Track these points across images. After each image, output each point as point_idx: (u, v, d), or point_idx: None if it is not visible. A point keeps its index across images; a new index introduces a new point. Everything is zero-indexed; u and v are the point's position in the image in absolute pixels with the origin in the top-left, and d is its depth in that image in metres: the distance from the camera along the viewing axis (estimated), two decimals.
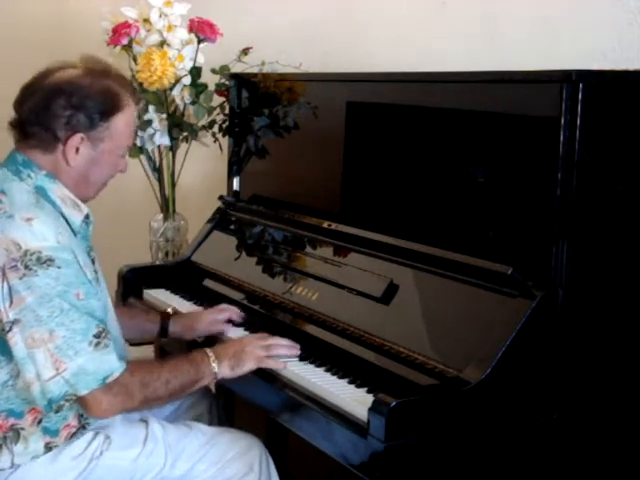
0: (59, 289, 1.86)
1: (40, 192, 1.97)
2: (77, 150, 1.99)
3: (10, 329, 1.86)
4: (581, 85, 1.81)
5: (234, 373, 2.06)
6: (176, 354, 2.27)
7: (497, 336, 1.82)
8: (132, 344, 2.47)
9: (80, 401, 1.90)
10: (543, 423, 1.86)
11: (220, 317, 2.37)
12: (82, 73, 2.02)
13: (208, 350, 2.06)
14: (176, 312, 2.45)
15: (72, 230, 1.99)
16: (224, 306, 2.41)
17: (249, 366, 2.07)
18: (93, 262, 2.07)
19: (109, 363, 1.88)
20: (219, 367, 2.04)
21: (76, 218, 2.02)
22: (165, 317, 2.39)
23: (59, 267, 1.87)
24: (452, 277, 2.00)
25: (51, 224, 1.92)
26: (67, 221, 1.99)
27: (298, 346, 2.14)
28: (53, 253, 1.88)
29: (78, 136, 1.98)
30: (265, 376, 2.09)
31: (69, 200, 2.01)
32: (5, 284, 1.86)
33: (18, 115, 2.02)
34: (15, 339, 1.86)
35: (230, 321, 2.37)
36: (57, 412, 1.92)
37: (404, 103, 2.27)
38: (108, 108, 1.99)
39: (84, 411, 1.94)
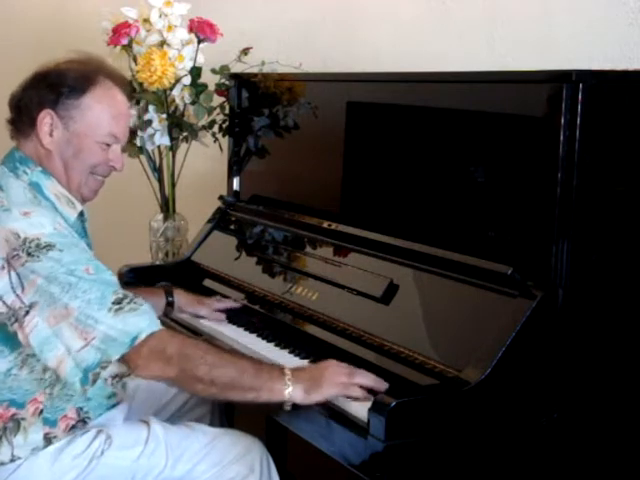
0: (64, 269, 1.88)
1: (35, 188, 1.99)
2: (52, 132, 2.00)
3: (27, 313, 1.88)
4: (581, 85, 1.81)
5: (309, 399, 1.85)
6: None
7: (497, 336, 1.82)
8: None
9: (124, 361, 1.89)
10: (543, 423, 1.86)
11: (222, 305, 2.46)
12: (64, 61, 2.06)
13: (286, 369, 1.89)
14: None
15: (68, 224, 2.00)
16: (219, 299, 2.50)
17: (328, 392, 1.86)
18: None
19: (136, 324, 1.86)
20: (293, 389, 1.85)
21: (70, 215, 2.03)
22: (168, 289, 2.46)
23: (61, 250, 1.89)
24: (452, 277, 2.00)
25: (48, 215, 1.94)
26: (62, 216, 2.00)
27: (386, 384, 1.89)
28: (51, 239, 1.90)
29: (46, 112, 1.99)
30: None
31: (63, 197, 2.03)
32: (13, 273, 1.89)
33: (9, 109, 2.06)
34: (34, 321, 1.87)
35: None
36: (94, 382, 1.88)
37: (404, 103, 2.27)
38: (79, 85, 2.00)
39: (129, 369, 1.93)
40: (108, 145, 2.06)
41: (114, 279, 1.96)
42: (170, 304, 2.44)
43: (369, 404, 1.76)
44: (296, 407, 1.87)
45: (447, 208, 2.12)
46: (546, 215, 1.87)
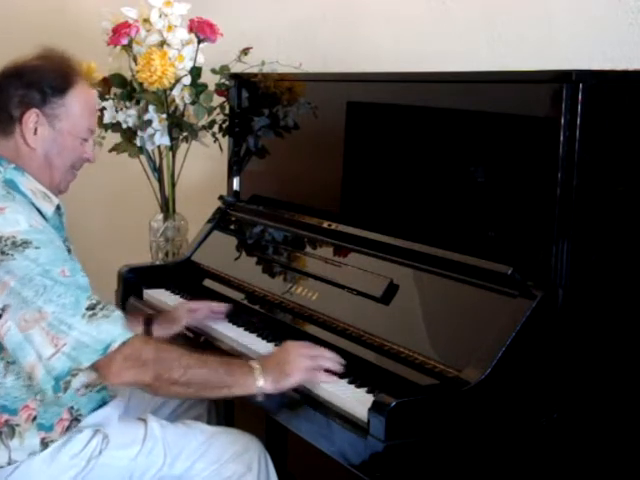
0: (39, 269, 1.86)
1: (10, 185, 1.98)
2: (35, 130, 2.00)
3: (0, 316, 1.86)
4: (581, 85, 1.81)
5: (279, 387, 1.93)
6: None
7: (497, 336, 1.82)
8: None
9: (96, 369, 1.88)
10: (543, 423, 1.86)
11: (199, 315, 2.37)
12: (35, 57, 2.06)
13: (254, 362, 1.95)
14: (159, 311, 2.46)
15: (45, 219, 1.99)
16: (197, 304, 2.41)
17: (295, 379, 1.93)
18: (69, 251, 2.04)
19: (109, 332, 1.86)
20: (264, 381, 1.91)
21: (47, 209, 2.02)
22: (148, 318, 2.37)
23: (37, 247, 1.88)
24: (452, 277, 2.00)
25: (23, 212, 1.92)
26: (39, 212, 1.99)
27: (343, 361, 1.99)
28: (27, 236, 1.88)
29: (32, 111, 2.00)
30: None
31: (39, 192, 2.02)
32: None
33: None
34: (7, 325, 1.86)
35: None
36: (66, 390, 1.88)
37: (404, 103, 2.27)
38: (60, 84, 2.01)
39: (101, 379, 1.92)
40: (85, 140, 2.08)
41: (87, 282, 1.94)
42: (148, 332, 2.34)
43: (369, 404, 1.76)
44: (268, 396, 1.93)
45: (447, 208, 2.12)
46: (546, 215, 1.87)
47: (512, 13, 2.51)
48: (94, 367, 1.88)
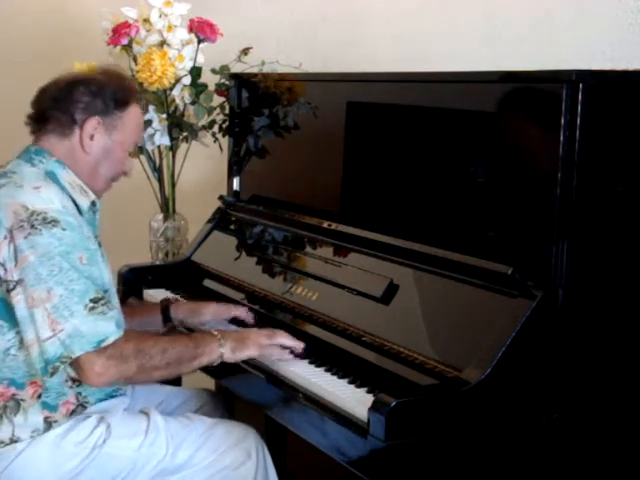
0: (61, 249, 1.93)
1: (50, 176, 2.06)
2: (92, 137, 2.09)
3: (14, 288, 1.92)
4: (581, 85, 1.81)
5: (235, 357, 2.08)
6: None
7: (497, 336, 1.82)
8: None
9: (75, 365, 1.93)
10: (543, 423, 1.86)
11: (226, 315, 2.39)
12: (99, 72, 2.18)
13: (213, 330, 2.11)
14: (177, 300, 2.50)
15: (79, 210, 2.06)
16: (230, 305, 2.42)
17: (251, 352, 2.09)
18: (100, 245, 2.12)
19: (105, 328, 1.92)
20: (225, 347, 2.06)
21: (83, 202, 2.09)
22: (165, 304, 2.43)
23: (64, 229, 1.95)
24: (452, 277, 2.00)
25: (58, 193, 2.01)
26: (75, 203, 2.06)
27: (302, 344, 2.13)
28: (58, 215, 1.96)
29: (95, 119, 2.09)
30: (265, 375, 2.09)
31: (77, 186, 2.09)
32: (12, 245, 1.93)
33: (35, 108, 2.12)
34: (18, 298, 1.92)
35: (237, 321, 2.38)
36: (52, 375, 1.93)
37: (404, 103, 2.27)
38: (122, 98, 2.12)
39: (80, 377, 1.95)
40: (129, 154, 2.22)
41: (99, 276, 2.00)
42: (167, 319, 2.40)
43: (369, 404, 1.76)
44: (222, 365, 2.07)
45: (447, 208, 2.12)
46: (546, 215, 1.87)
47: (512, 13, 2.51)
48: (79, 364, 1.91)
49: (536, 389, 1.85)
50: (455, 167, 2.10)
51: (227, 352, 2.07)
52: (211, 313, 2.39)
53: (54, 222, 1.94)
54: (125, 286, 2.74)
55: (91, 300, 1.92)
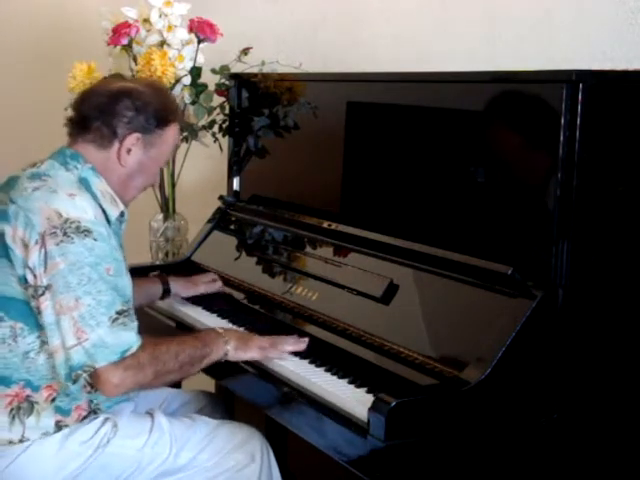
0: (91, 260, 1.94)
1: (83, 183, 2.06)
2: (129, 151, 2.10)
3: (43, 293, 1.93)
4: (581, 85, 1.81)
5: (237, 355, 2.11)
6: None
7: (497, 336, 1.82)
8: None
9: (95, 378, 1.93)
10: (543, 423, 1.86)
11: (213, 276, 2.60)
12: (144, 84, 2.19)
13: (218, 328, 2.15)
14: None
15: (108, 221, 2.08)
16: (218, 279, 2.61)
17: (252, 354, 2.11)
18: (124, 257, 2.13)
19: (127, 338, 1.94)
20: (229, 345, 2.09)
21: (113, 212, 2.10)
22: (164, 279, 2.56)
23: (95, 239, 1.96)
24: (452, 277, 2.00)
25: (91, 203, 2.02)
26: (104, 212, 2.07)
27: (306, 340, 2.14)
28: (92, 226, 1.97)
29: (135, 136, 2.10)
30: (265, 375, 2.09)
31: (108, 195, 2.10)
32: (43, 250, 1.93)
33: (78, 112, 2.13)
34: (46, 304, 1.93)
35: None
36: (75, 382, 1.94)
37: (404, 103, 2.27)
38: (164, 117, 2.13)
39: (97, 387, 1.97)
40: (161, 168, 2.26)
41: (127, 286, 2.03)
42: (167, 291, 2.54)
43: (369, 404, 1.76)
44: (222, 366, 2.12)
45: (447, 208, 2.12)
46: (546, 215, 1.87)
47: (512, 13, 2.51)
48: (97, 375, 1.92)
49: (536, 389, 1.85)
50: (455, 167, 2.10)
51: (231, 350, 2.09)
52: (203, 281, 2.58)
53: (87, 232, 1.95)
54: None
55: (117, 312, 1.94)
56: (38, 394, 1.99)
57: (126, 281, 2.05)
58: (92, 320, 1.91)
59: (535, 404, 1.86)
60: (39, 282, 1.93)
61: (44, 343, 1.97)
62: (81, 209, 1.97)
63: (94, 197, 2.05)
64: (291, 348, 2.13)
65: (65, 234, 1.93)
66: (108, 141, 2.10)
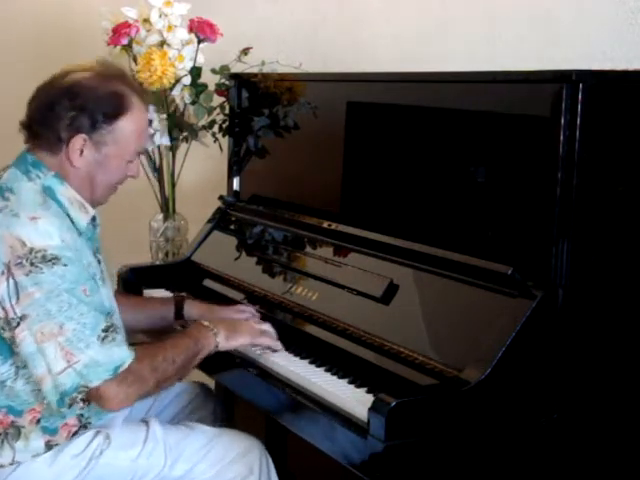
0: (66, 285, 1.88)
1: (47, 192, 1.98)
2: (81, 152, 2.00)
3: (18, 325, 1.88)
4: (581, 85, 1.81)
5: (229, 344, 2.10)
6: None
7: (497, 336, 1.82)
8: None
9: (96, 395, 1.89)
10: (543, 423, 1.86)
11: (236, 317, 2.31)
12: (91, 75, 2.02)
13: (204, 322, 2.11)
14: (189, 297, 2.45)
15: (77, 230, 2.00)
16: (244, 307, 2.37)
17: (243, 339, 2.11)
18: (99, 263, 2.08)
19: (119, 354, 1.90)
20: (219, 336, 2.08)
21: (82, 219, 2.02)
22: (179, 300, 2.40)
23: (65, 265, 1.89)
24: (452, 277, 2.00)
25: (55, 223, 1.92)
26: (73, 222, 2.00)
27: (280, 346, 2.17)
28: (58, 252, 1.89)
29: (80, 137, 1.99)
30: (265, 375, 2.09)
31: (76, 202, 2.02)
32: (11, 281, 1.87)
33: (26, 116, 2.04)
34: (23, 334, 1.87)
35: None
36: (70, 406, 1.91)
37: (404, 103, 2.27)
38: (112, 111, 2.00)
39: (100, 405, 1.92)
40: (131, 161, 2.09)
41: (105, 299, 2.00)
42: (180, 317, 2.38)
43: (369, 404, 1.76)
44: (219, 364, 2.15)
45: (447, 208, 2.12)
46: (546, 215, 1.87)
47: (512, 13, 2.51)
48: (99, 394, 1.89)
49: (536, 389, 1.85)
50: (455, 167, 2.10)
51: (222, 340, 2.08)
52: (222, 315, 2.31)
53: (54, 259, 1.88)
54: (125, 286, 2.73)
55: (103, 330, 1.90)
56: (22, 418, 1.96)
57: (103, 294, 2.01)
58: (80, 343, 1.87)
59: (535, 404, 1.86)
60: (11, 314, 1.87)
61: (18, 368, 1.93)
62: (46, 235, 1.89)
63: (61, 206, 1.97)
64: (271, 343, 2.15)
65: (32, 264, 1.86)
66: (56, 146, 2.00)
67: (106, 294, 2.05)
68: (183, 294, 2.47)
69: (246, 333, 2.12)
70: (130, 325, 2.24)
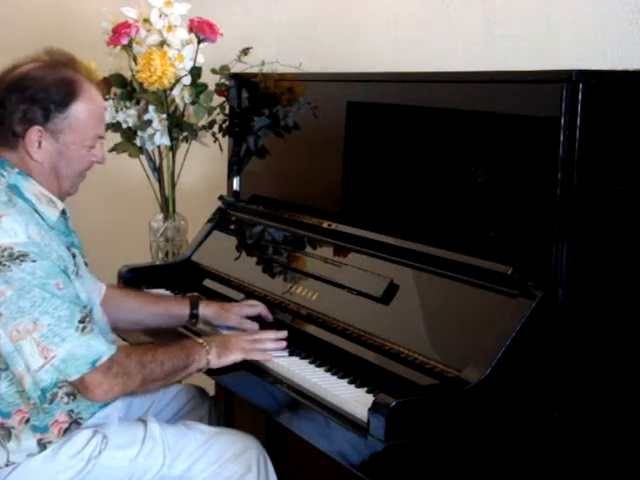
0: (37, 281, 1.88)
1: (13, 190, 1.97)
2: (39, 144, 1.99)
3: None
4: (581, 85, 1.81)
5: (220, 362, 2.09)
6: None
7: (497, 336, 1.82)
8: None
9: (80, 386, 1.91)
10: (543, 423, 1.86)
11: (251, 312, 2.34)
12: (38, 66, 2.02)
13: (199, 339, 2.12)
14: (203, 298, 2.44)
15: (48, 225, 1.99)
16: (254, 302, 2.39)
17: (234, 357, 2.10)
18: (74, 257, 2.05)
19: (96, 347, 1.91)
20: (211, 355, 2.08)
21: (52, 214, 2.01)
22: (194, 300, 2.38)
23: (34, 261, 1.88)
24: (452, 277, 2.00)
25: (21, 221, 1.91)
26: (42, 217, 1.98)
27: (284, 334, 2.17)
28: (25, 248, 1.88)
29: (35, 129, 1.98)
30: (265, 375, 2.09)
31: (44, 197, 2.01)
32: None
33: None
34: None
35: (258, 320, 2.34)
36: (52, 402, 1.92)
37: (404, 103, 2.27)
38: (63, 98, 1.98)
39: (85, 395, 1.93)
40: (92, 147, 2.07)
41: (80, 292, 1.98)
42: (194, 316, 2.36)
43: (369, 404, 1.76)
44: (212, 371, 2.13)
45: (447, 208, 2.12)
46: (546, 215, 1.87)
47: (512, 13, 2.51)
48: (84, 385, 1.90)
49: (536, 389, 1.85)
50: (455, 167, 2.10)
51: (213, 358, 2.08)
52: (235, 318, 2.32)
53: (22, 256, 1.87)
54: (125, 286, 2.73)
55: (79, 321, 1.90)
56: (11, 419, 1.96)
57: (78, 287, 1.99)
58: (56, 337, 1.87)
59: (535, 404, 1.86)
60: None
61: (1, 371, 1.93)
62: (11, 232, 1.88)
63: (27, 202, 1.96)
64: (272, 346, 2.14)
65: (0, 263, 1.86)
66: (14, 141, 1.99)
67: (82, 289, 2.02)
68: (196, 294, 2.47)
69: (238, 350, 2.11)
70: (141, 321, 2.30)
